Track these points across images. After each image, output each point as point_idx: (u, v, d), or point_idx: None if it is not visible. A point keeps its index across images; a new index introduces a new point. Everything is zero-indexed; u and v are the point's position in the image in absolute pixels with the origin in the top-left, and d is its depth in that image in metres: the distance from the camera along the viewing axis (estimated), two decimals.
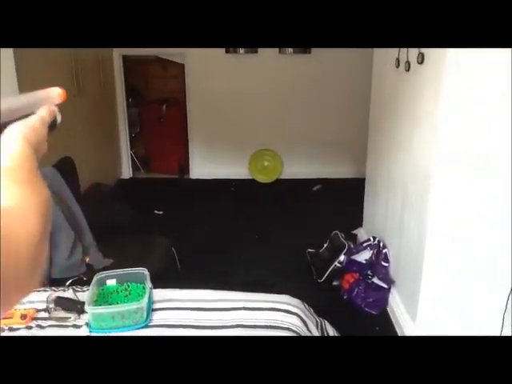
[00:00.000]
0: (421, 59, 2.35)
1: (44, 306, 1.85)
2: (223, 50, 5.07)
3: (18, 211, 0.48)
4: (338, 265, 3.16)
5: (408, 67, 2.57)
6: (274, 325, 1.74)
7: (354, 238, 3.70)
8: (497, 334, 2.38)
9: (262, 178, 5.48)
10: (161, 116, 5.43)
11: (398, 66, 2.75)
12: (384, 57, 3.10)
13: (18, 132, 0.58)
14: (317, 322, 1.97)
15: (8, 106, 0.59)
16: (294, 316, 1.82)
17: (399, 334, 2.67)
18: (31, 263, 0.46)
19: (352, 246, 3.24)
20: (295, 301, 1.95)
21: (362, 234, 3.74)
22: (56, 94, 0.69)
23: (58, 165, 2.64)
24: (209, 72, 5.23)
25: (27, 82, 2.83)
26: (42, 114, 0.62)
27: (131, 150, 5.61)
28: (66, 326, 1.76)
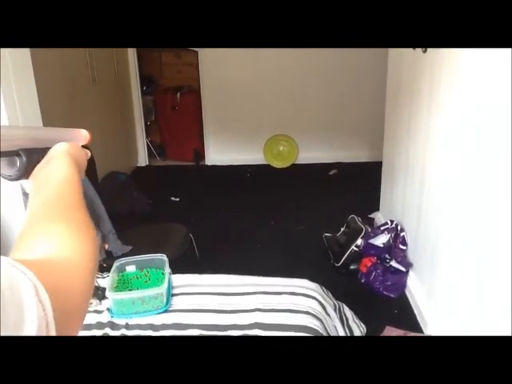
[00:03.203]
0: None
1: None
2: None
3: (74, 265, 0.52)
4: (356, 249, 3.15)
5: (425, 48, 2.52)
6: (292, 308, 1.75)
7: (371, 221, 3.68)
8: None
9: (277, 164, 5.47)
10: (175, 104, 5.43)
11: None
12: None
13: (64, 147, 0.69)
14: (335, 305, 1.98)
15: (33, 136, 0.67)
16: (313, 300, 1.83)
17: (418, 317, 2.66)
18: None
19: (369, 229, 3.23)
20: (313, 285, 1.95)
21: (379, 217, 3.72)
22: (84, 136, 0.79)
23: None
24: (223, 59, 5.20)
25: (43, 71, 2.86)
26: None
27: (147, 137, 5.63)
28: (88, 312, 1.79)
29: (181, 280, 1.97)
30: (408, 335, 2.47)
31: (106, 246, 2.51)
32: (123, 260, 2.01)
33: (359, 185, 4.52)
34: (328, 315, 1.84)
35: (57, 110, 3.40)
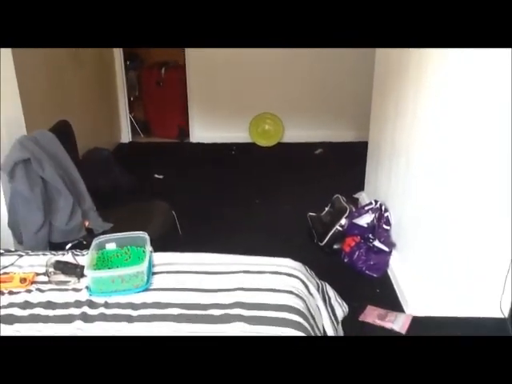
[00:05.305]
0: None
1: (44, 269, 1.84)
2: None
3: None
4: (340, 228, 3.15)
5: None
6: (275, 288, 1.73)
7: (355, 201, 3.68)
8: (497, 297, 2.39)
9: (262, 142, 5.42)
10: (160, 80, 5.33)
11: None
12: None
13: None
14: (318, 284, 1.97)
15: None
16: (296, 279, 1.81)
17: (399, 297, 2.68)
18: None
19: (353, 209, 3.22)
20: (296, 264, 1.93)
21: (363, 197, 3.72)
22: None
23: (55, 128, 2.59)
24: None
25: None
26: None
27: (130, 114, 5.53)
28: (66, 290, 1.75)
29: (162, 258, 1.94)
30: (388, 315, 2.49)
31: (87, 223, 2.46)
32: (103, 237, 1.97)
33: (345, 164, 4.51)
34: (311, 294, 1.83)
35: (37, 84, 3.30)
